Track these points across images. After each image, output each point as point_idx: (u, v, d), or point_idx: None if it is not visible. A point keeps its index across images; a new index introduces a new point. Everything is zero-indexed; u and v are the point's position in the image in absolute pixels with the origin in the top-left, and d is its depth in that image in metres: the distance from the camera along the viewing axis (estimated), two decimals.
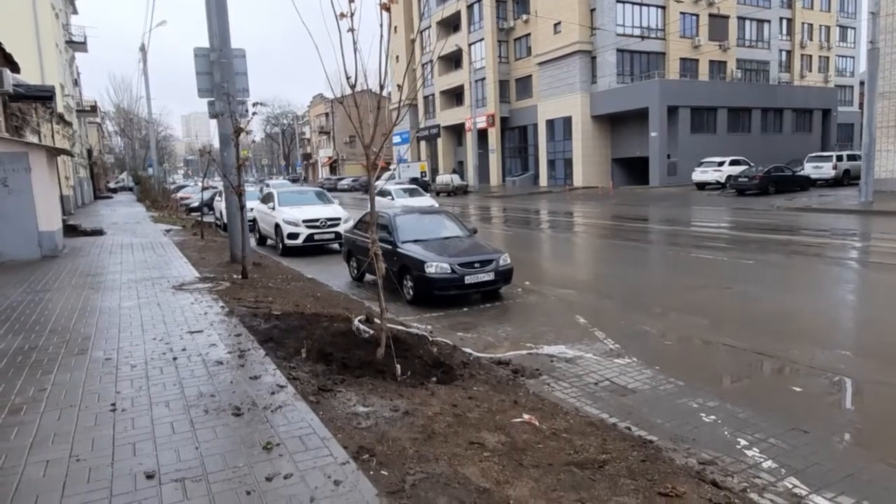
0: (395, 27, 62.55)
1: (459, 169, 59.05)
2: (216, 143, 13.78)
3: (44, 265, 12.55)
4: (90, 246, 15.86)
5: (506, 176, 55.32)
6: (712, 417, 5.17)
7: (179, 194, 37.10)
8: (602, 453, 4.06)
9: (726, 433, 4.85)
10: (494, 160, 55.60)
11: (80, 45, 42.06)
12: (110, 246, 15.76)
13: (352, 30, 5.54)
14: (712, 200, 29.64)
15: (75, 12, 46.48)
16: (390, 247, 10.41)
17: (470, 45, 55.48)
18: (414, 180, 53.27)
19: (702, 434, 4.84)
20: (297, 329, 6.96)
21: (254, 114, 11.15)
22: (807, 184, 31.75)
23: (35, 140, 20.66)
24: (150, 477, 3.49)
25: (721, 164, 35.36)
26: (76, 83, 45.61)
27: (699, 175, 36.02)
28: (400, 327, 7.41)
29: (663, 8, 44.88)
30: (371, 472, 3.54)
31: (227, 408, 4.52)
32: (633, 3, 43.95)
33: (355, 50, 5.53)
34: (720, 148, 39.65)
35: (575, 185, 45.18)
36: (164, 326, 7.09)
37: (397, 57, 56.51)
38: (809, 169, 33.46)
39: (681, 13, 45.02)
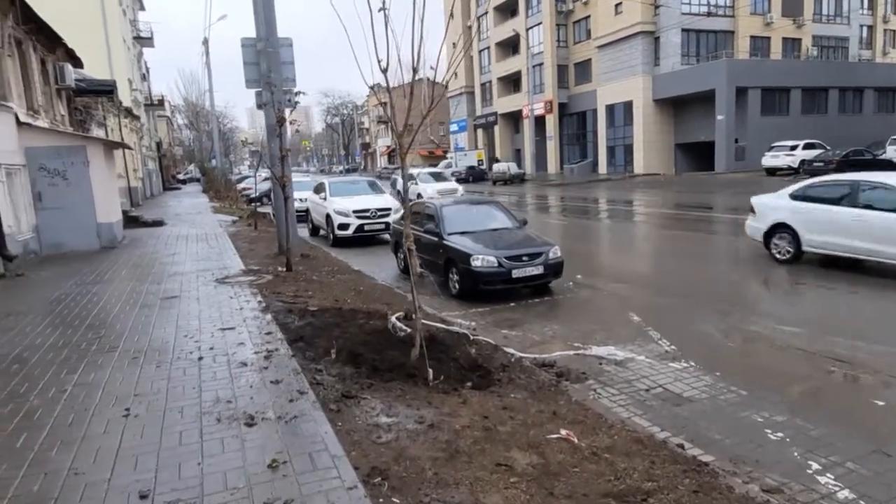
0: (452, 13, 61.89)
1: (517, 157, 58.14)
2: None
3: (100, 256, 12.80)
4: (148, 237, 16.18)
5: (564, 163, 53.97)
6: (779, 434, 4.60)
7: (241, 185, 37.71)
8: (647, 480, 3.58)
9: (795, 454, 4.29)
10: (552, 147, 54.40)
11: (147, 41, 43.30)
12: (167, 237, 16.02)
13: (383, 9, 5.20)
14: (783, 187, 27.90)
15: (142, 8, 47.90)
16: (437, 238, 10.09)
17: (527, 29, 54.29)
18: (471, 168, 52.94)
19: (766, 455, 4.29)
20: (331, 326, 6.70)
21: (296, 103, 10.96)
22: (889, 168, 29.60)
23: (101, 134, 21.34)
24: (143, 497, 3.24)
25: (794, 147, 33.31)
26: (144, 78, 47.06)
27: (769, 160, 34.08)
28: (439, 325, 7.05)
29: None
30: (381, 500, 3.19)
31: (241, 416, 4.26)
32: None
33: (387, 28, 5.20)
34: (793, 131, 37.26)
35: (635, 172, 43.69)
36: (197, 322, 6.96)
37: (454, 43, 55.95)
38: (892, 152, 31.25)
39: None
